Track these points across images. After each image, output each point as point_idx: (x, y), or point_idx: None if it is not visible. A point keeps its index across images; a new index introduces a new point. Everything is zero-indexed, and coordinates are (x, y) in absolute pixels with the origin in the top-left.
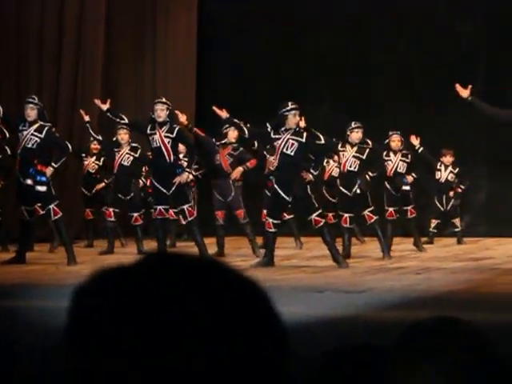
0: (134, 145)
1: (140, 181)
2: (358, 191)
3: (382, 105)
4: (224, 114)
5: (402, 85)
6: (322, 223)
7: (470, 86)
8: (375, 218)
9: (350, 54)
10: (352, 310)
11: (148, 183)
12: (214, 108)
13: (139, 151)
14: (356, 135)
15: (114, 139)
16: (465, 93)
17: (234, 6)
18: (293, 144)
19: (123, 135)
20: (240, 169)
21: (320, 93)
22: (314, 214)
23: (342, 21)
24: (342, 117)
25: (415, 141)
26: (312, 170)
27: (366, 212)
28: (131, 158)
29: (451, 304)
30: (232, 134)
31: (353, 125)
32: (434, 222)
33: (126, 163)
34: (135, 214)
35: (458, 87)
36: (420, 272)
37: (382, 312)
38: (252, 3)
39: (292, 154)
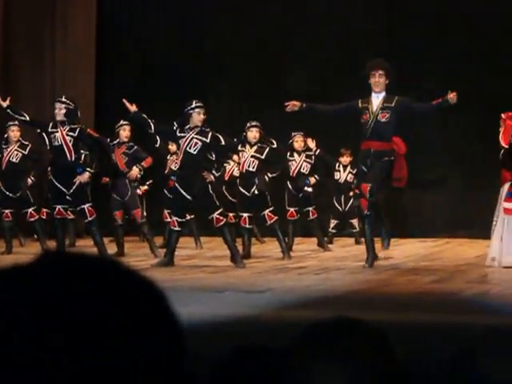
0: (23, 142)
1: (29, 179)
2: (257, 192)
3: (281, 103)
4: (133, 108)
5: (307, 84)
6: (222, 222)
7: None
8: (275, 218)
9: (251, 52)
10: (252, 310)
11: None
12: (124, 101)
13: (28, 148)
14: (252, 134)
15: (6, 136)
16: None
17: (132, 5)
18: (196, 143)
19: (16, 132)
20: (136, 169)
21: (220, 91)
22: (216, 213)
23: (243, 20)
24: (244, 116)
25: (311, 143)
26: (214, 172)
27: (266, 212)
28: (20, 154)
29: (350, 304)
30: (123, 133)
31: (249, 124)
32: (333, 223)
33: (14, 160)
34: (29, 210)
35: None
36: (319, 272)
37: (283, 312)
38: (151, 2)
39: (195, 152)
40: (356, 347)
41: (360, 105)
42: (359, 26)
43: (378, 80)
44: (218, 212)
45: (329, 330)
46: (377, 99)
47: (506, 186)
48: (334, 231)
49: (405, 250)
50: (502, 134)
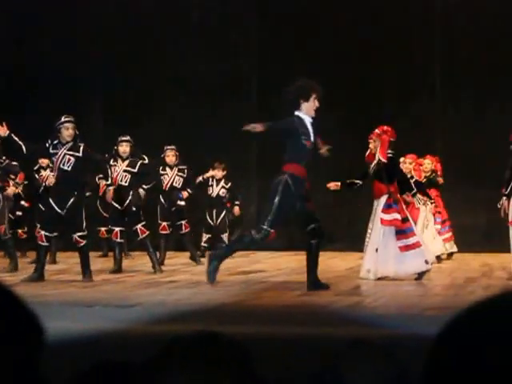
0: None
1: None
2: (131, 206)
3: (153, 117)
4: (4, 129)
5: (181, 98)
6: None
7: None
8: (147, 232)
9: (123, 65)
10: (122, 324)
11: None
12: None
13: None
14: (122, 148)
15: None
16: None
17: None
18: (69, 159)
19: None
20: (12, 187)
21: (92, 106)
22: (139, 225)
23: (115, 33)
24: (115, 130)
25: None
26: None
27: (139, 226)
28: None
29: (220, 318)
30: None
31: (120, 138)
32: (205, 237)
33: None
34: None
35: None
36: (191, 286)
37: (152, 326)
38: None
39: (69, 169)
40: (216, 361)
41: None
42: (229, 37)
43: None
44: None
45: (189, 344)
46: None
47: (383, 199)
48: (205, 245)
49: (277, 263)
50: (379, 148)
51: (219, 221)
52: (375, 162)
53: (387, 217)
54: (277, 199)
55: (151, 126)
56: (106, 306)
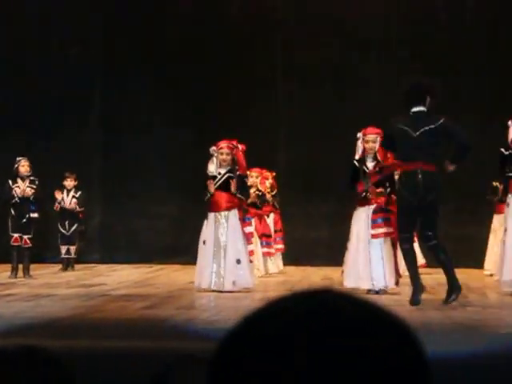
0: None
1: None
2: None
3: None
4: None
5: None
6: None
7: None
8: None
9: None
10: None
11: None
12: None
13: None
14: None
15: None
16: None
17: None
18: None
19: None
20: None
21: None
22: None
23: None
24: None
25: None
26: None
27: None
28: None
29: (57, 331)
30: None
31: None
32: (63, 248)
33: None
34: None
35: None
36: (30, 299)
37: None
38: None
39: None
40: (30, 378)
41: None
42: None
43: None
44: None
45: (6, 359)
46: None
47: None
48: (67, 256)
49: (118, 277)
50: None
51: (71, 231)
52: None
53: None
54: None
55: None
56: None
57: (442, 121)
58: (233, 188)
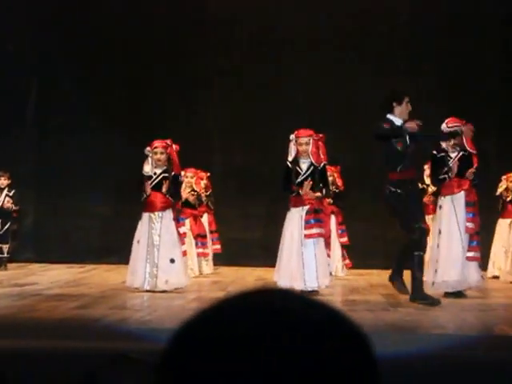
0: None
1: None
2: None
3: None
4: None
5: None
6: None
7: None
8: None
9: None
10: None
11: None
12: None
13: None
14: None
15: None
16: None
17: None
18: None
19: None
20: None
21: None
22: None
23: None
24: None
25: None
26: None
27: None
28: None
29: None
30: None
31: None
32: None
33: None
34: None
35: None
36: None
37: None
38: None
39: None
40: None
41: None
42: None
43: None
44: None
45: None
46: None
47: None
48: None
49: (51, 276)
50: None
51: (3, 231)
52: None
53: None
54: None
55: None
56: None
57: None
58: (164, 188)
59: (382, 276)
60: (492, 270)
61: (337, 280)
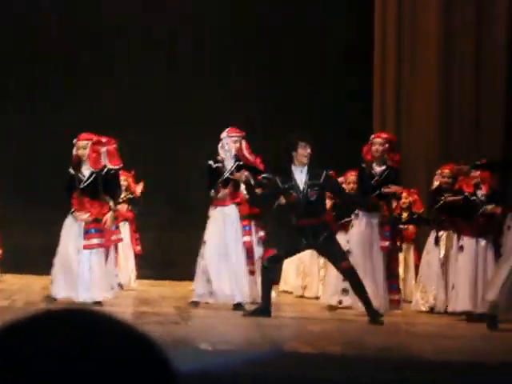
0: None
1: None
2: None
3: None
4: None
5: None
6: None
7: None
8: None
9: None
10: None
11: None
12: None
13: None
14: None
15: None
16: None
17: None
18: None
19: None
20: None
21: None
22: None
23: None
24: None
25: None
26: None
27: None
28: None
29: None
30: None
31: None
32: None
33: None
34: None
35: None
36: None
37: None
38: None
39: None
40: None
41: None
42: None
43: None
44: None
45: None
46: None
47: None
48: None
49: None
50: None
51: None
52: None
53: None
54: None
55: None
56: None
57: None
58: None
59: (174, 288)
60: (283, 285)
61: (129, 291)
